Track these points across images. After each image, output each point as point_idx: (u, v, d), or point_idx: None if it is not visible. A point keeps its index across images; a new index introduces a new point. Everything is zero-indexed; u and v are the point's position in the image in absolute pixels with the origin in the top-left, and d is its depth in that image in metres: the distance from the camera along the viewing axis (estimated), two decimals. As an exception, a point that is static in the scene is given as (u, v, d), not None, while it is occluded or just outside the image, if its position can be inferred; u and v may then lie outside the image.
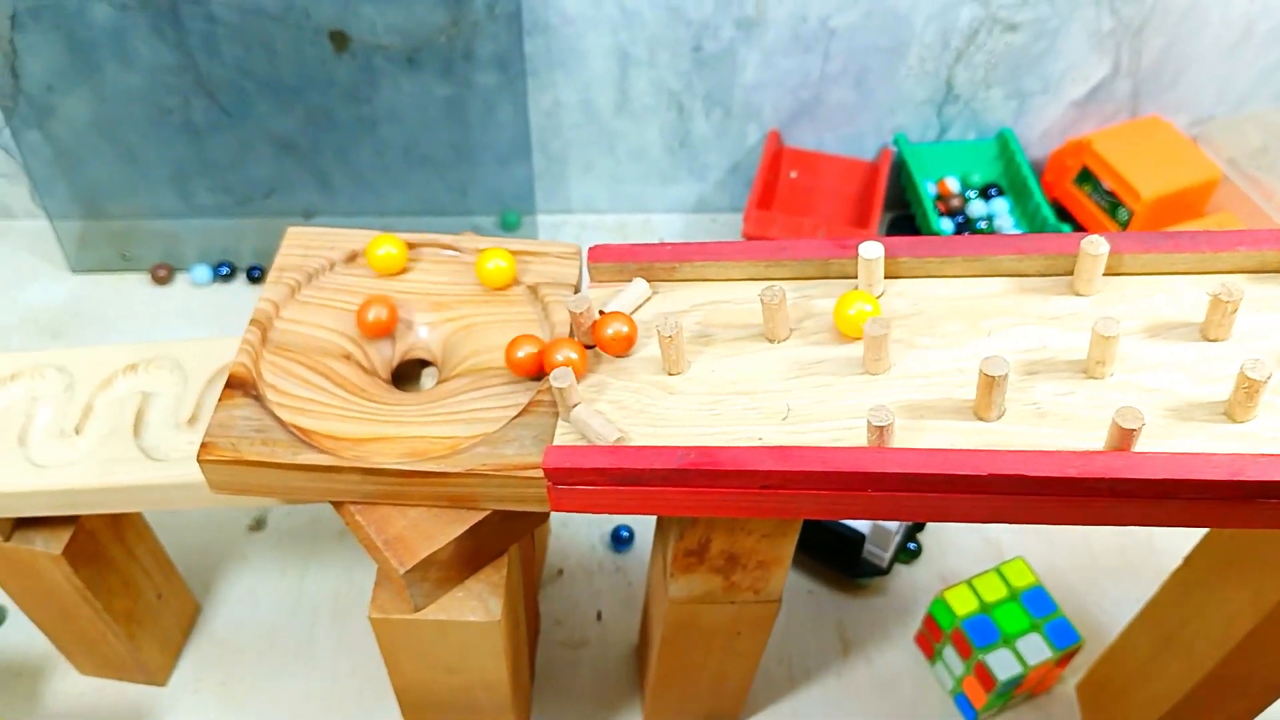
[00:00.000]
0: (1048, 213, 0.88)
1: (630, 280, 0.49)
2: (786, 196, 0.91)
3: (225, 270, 0.94)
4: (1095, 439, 0.41)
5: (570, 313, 0.46)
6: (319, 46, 0.85)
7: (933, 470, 0.39)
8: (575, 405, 0.44)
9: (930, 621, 0.72)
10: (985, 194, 0.93)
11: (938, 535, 0.80)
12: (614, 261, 0.49)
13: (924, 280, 0.47)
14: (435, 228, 0.96)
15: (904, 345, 0.45)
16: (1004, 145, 0.94)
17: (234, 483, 0.46)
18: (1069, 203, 0.94)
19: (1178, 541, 0.79)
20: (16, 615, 0.74)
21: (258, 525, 0.79)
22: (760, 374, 0.45)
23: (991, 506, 0.40)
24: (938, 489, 0.39)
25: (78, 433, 0.54)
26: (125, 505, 0.52)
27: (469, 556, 0.48)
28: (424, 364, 0.53)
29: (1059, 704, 0.72)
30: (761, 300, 0.44)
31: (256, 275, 0.94)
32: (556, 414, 0.46)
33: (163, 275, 0.94)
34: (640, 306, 0.48)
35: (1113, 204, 0.90)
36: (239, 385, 0.47)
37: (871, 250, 0.45)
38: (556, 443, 0.44)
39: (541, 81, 0.89)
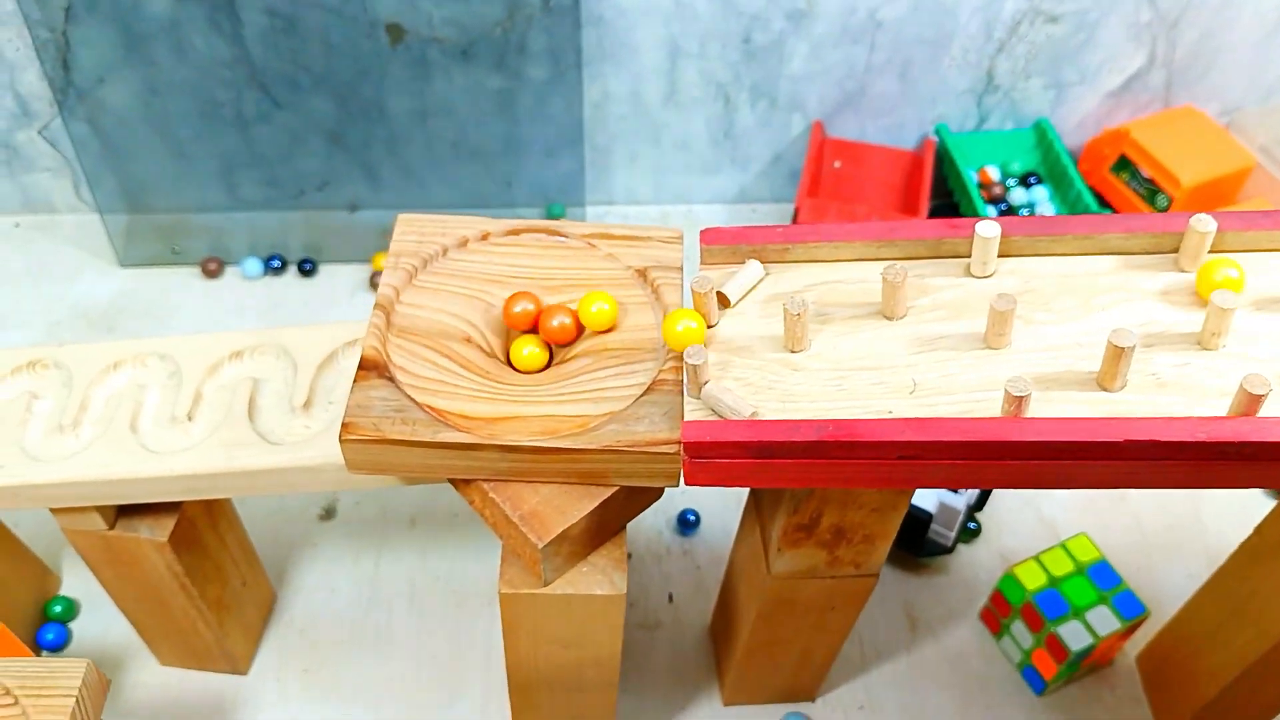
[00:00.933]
0: (1089, 199, 0.90)
1: (743, 262, 0.50)
2: (832, 186, 0.93)
3: (276, 263, 0.95)
4: (1214, 406, 0.43)
5: (694, 293, 0.47)
6: (374, 39, 0.86)
7: (1071, 438, 0.40)
8: (705, 382, 0.45)
9: (998, 597, 0.73)
10: (1025, 182, 0.95)
11: (995, 515, 0.82)
12: (727, 244, 0.50)
13: (1034, 259, 0.49)
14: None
15: (1020, 321, 0.46)
16: (1041, 134, 0.96)
17: (372, 462, 0.47)
18: (1106, 190, 0.96)
19: (1224, 520, 0.82)
20: (90, 608, 0.75)
21: (328, 514, 0.80)
22: (882, 350, 0.46)
23: (1122, 472, 0.42)
24: (1074, 456, 0.41)
25: (190, 419, 0.54)
26: (242, 490, 0.53)
27: (594, 532, 0.49)
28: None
29: (1120, 675, 0.74)
30: (884, 278, 0.46)
31: (308, 268, 0.95)
32: (681, 391, 0.48)
33: (213, 269, 0.94)
34: (755, 287, 0.50)
35: (1151, 191, 0.92)
36: (372, 367, 0.48)
37: (989, 229, 0.47)
38: (688, 418, 0.45)
39: (592, 74, 0.91)
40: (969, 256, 0.49)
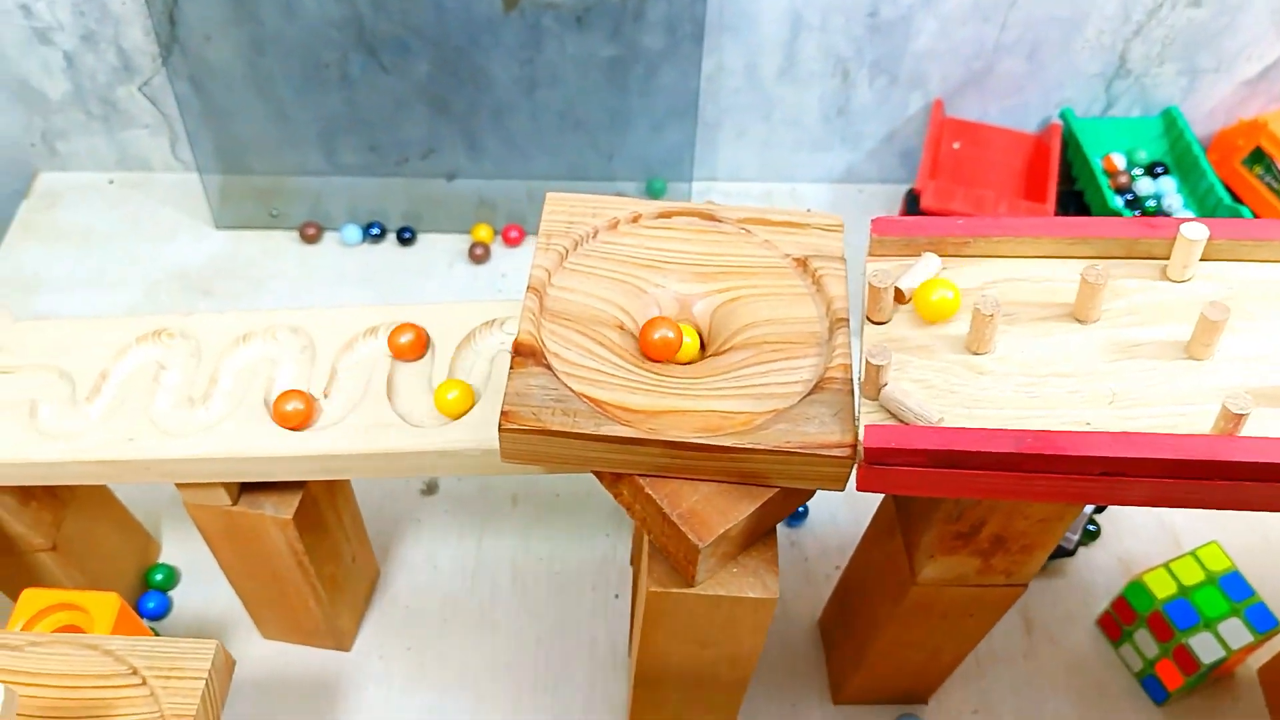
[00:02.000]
0: (1222, 193, 0.86)
1: (918, 255, 0.47)
2: (951, 168, 0.89)
3: (375, 231, 0.93)
4: None
5: (871, 287, 0.45)
6: (489, 4, 0.83)
7: (1298, 461, 0.38)
8: (885, 384, 0.43)
9: (1122, 603, 0.71)
10: (1151, 172, 0.91)
11: (1115, 518, 0.79)
12: (900, 235, 0.48)
13: (1235, 264, 0.46)
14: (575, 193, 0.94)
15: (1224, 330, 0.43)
16: (1170, 123, 0.92)
17: (528, 452, 0.45)
18: (1236, 184, 0.91)
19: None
20: (190, 577, 0.74)
21: (430, 489, 0.78)
22: (1076, 355, 0.43)
23: (1345, 499, 0.39)
24: (1296, 480, 0.38)
25: (325, 396, 0.53)
26: (378, 472, 0.52)
27: (749, 533, 0.47)
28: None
29: (1243, 687, 0.71)
30: (1084, 279, 0.43)
31: (407, 237, 0.93)
32: (851, 390, 0.45)
33: (312, 234, 0.93)
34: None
35: (1288, 185, 0.87)
36: (529, 354, 0.46)
37: (1196, 231, 0.44)
38: (864, 421, 0.43)
39: (708, 45, 0.87)
40: (1164, 258, 0.46)
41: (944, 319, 0.45)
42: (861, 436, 0.42)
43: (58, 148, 0.97)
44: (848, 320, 0.48)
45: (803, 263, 0.50)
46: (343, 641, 0.69)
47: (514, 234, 0.94)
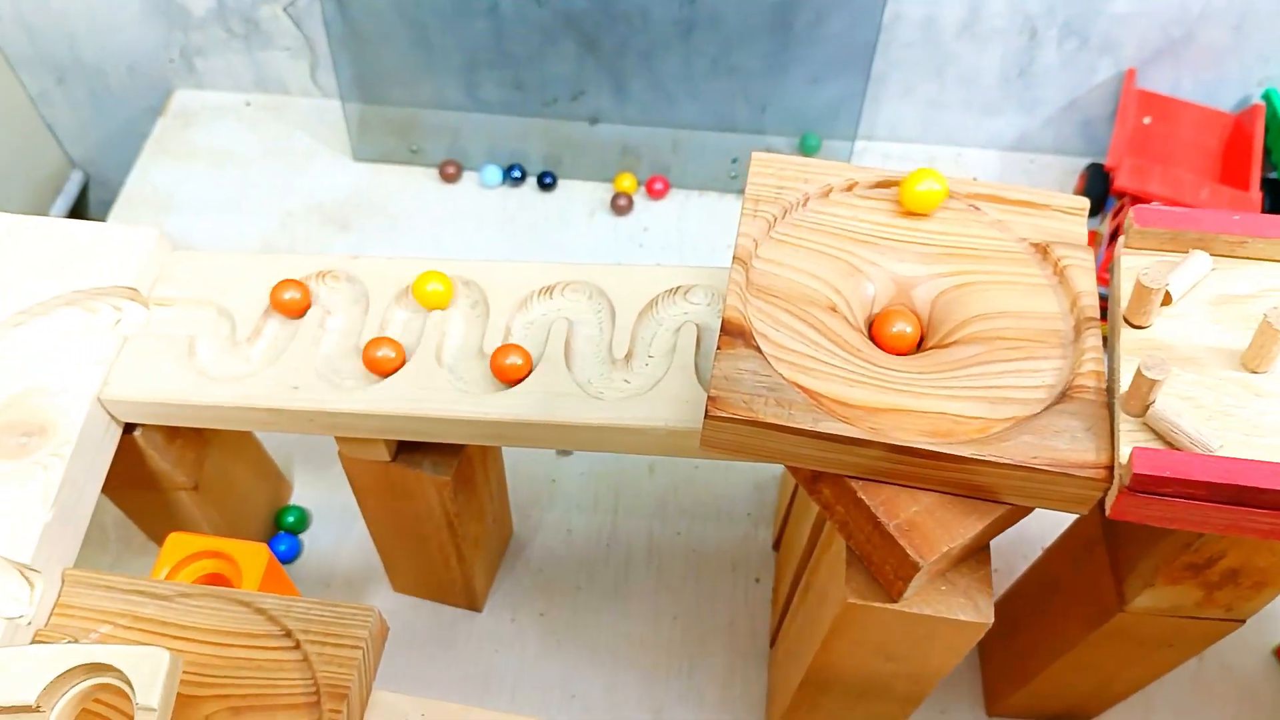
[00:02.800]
0: None
1: (1186, 252, 0.42)
2: (1141, 145, 0.82)
3: (517, 174, 0.89)
4: None
5: (1139, 286, 0.39)
6: (657, -63, 0.78)
7: None
8: (1153, 401, 0.38)
9: (1311, 639, 0.65)
10: (1364, 162, 0.82)
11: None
12: (1165, 228, 0.42)
13: None
14: (723, 145, 0.89)
15: None
16: (1391, 107, 0.83)
17: (731, 442, 0.41)
18: None
19: None
20: (320, 521, 0.72)
21: (564, 451, 0.75)
22: (1377, 384, 0.38)
23: None
24: None
25: (498, 357, 0.49)
26: (552, 441, 0.48)
27: (968, 551, 0.42)
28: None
29: None
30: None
31: (549, 182, 0.89)
32: (1104, 402, 0.40)
33: (451, 173, 0.89)
34: (1198, 285, 0.41)
35: None
36: (737, 333, 0.41)
37: None
38: (1125, 441, 0.38)
39: (887, -6, 0.81)
40: None
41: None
42: (1125, 459, 0.37)
43: (196, 65, 0.95)
44: (1098, 319, 0.42)
45: (1042, 249, 0.45)
46: (475, 601, 0.66)
47: (658, 186, 0.89)
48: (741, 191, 0.89)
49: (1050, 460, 0.38)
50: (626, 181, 0.89)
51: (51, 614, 0.46)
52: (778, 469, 0.74)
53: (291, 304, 0.50)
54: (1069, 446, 0.39)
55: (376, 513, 0.58)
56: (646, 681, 0.65)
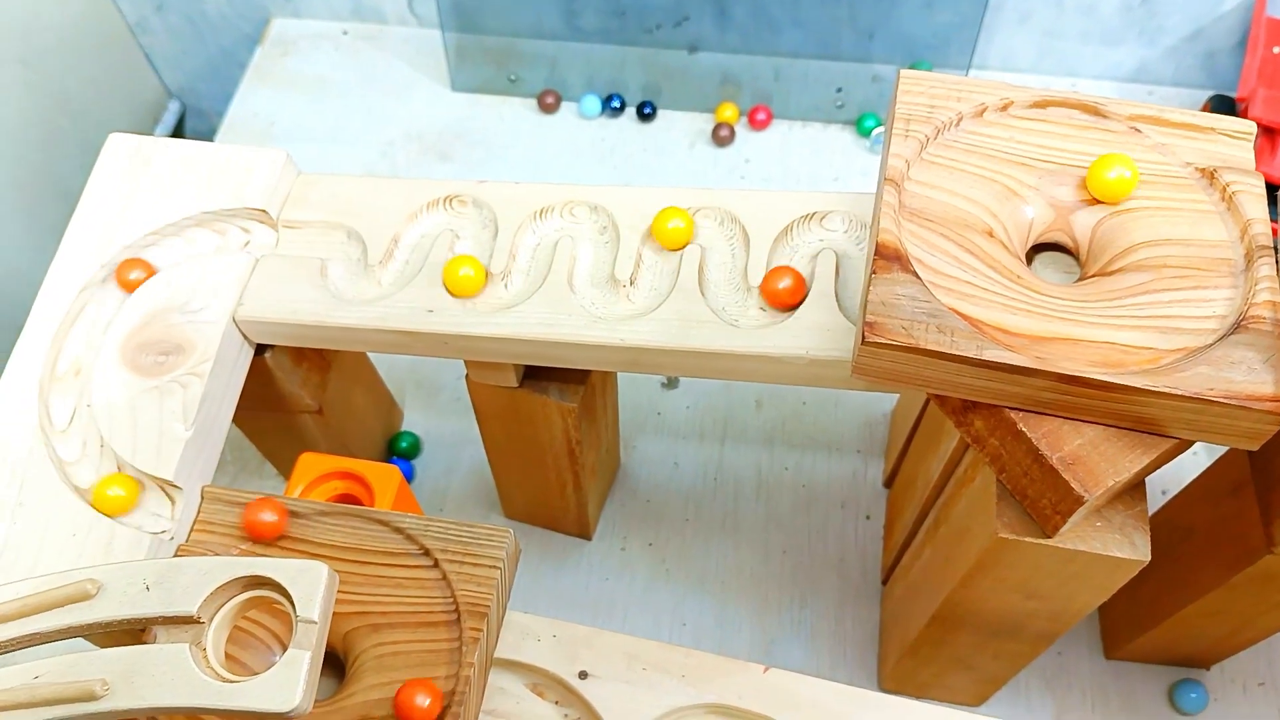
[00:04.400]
0: None
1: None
2: (1270, 75, 0.78)
3: (616, 104, 0.87)
4: None
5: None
6: None
7: None
8: (1344, 331, 0.36)
9: None
10: None
11: None
12: (1354, 151, 0.39)
13: None
14: (828, 74, 0.87)
15: None
16: None
17: (885, 369, 0.40)
18: None
19: None
20: (431, 447, 0.72)
21: (671, 383, 0.75)
22: None
23: None
24: None
25: (631, 283, 0.48)
26: (686, 370, 0.47)
27: (1128, 486, 0.41)
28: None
29: None
30: None
31: (648, 112, 0.87)
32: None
33: (550, 103, 0.88)
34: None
35: None
36: (893, 257, 0.40)
37: None
38: (1307, 373, 0.36)
39: (1011, -88, 0.77)
40: None
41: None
42: (1308, 391, 0.35)
43: (294, -8, 0.94)
44: (1272, 248, 0.40)
45: (1209, 174, 0.43)
46: (586, 529, 0.67)
47: (760, 116, 0.87)
48: (847, 122, 0.87)
49: (1226, 393, 0.37)
50: (728, 111, 0.87)
51: (192, 530, 0.47)
52: (888, 406, 0.73)
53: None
54: (1245, 379, 0.37)
55: (497, 438, 0.58)
56: (757, 614, 0.65)
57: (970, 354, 0.38)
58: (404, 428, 0.72)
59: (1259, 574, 0.49)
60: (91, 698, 0.36)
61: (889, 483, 0.69)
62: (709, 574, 0.67)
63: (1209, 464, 0.53)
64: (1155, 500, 0.65)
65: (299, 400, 0.57)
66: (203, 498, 0.47)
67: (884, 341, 0.38)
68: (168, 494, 0.47)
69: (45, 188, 0.85)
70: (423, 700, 0.41)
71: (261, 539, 0.46)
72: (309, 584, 0.37)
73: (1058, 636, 0.50)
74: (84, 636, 0.38)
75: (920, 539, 0.56)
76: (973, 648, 0.53)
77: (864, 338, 0.38)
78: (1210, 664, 0.63)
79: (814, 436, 0.72)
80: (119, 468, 0.47)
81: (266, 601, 0.38)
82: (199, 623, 0.37)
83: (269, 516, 0.45)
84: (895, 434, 0.69)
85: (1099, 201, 0.42)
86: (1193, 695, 0.62)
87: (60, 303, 0.50)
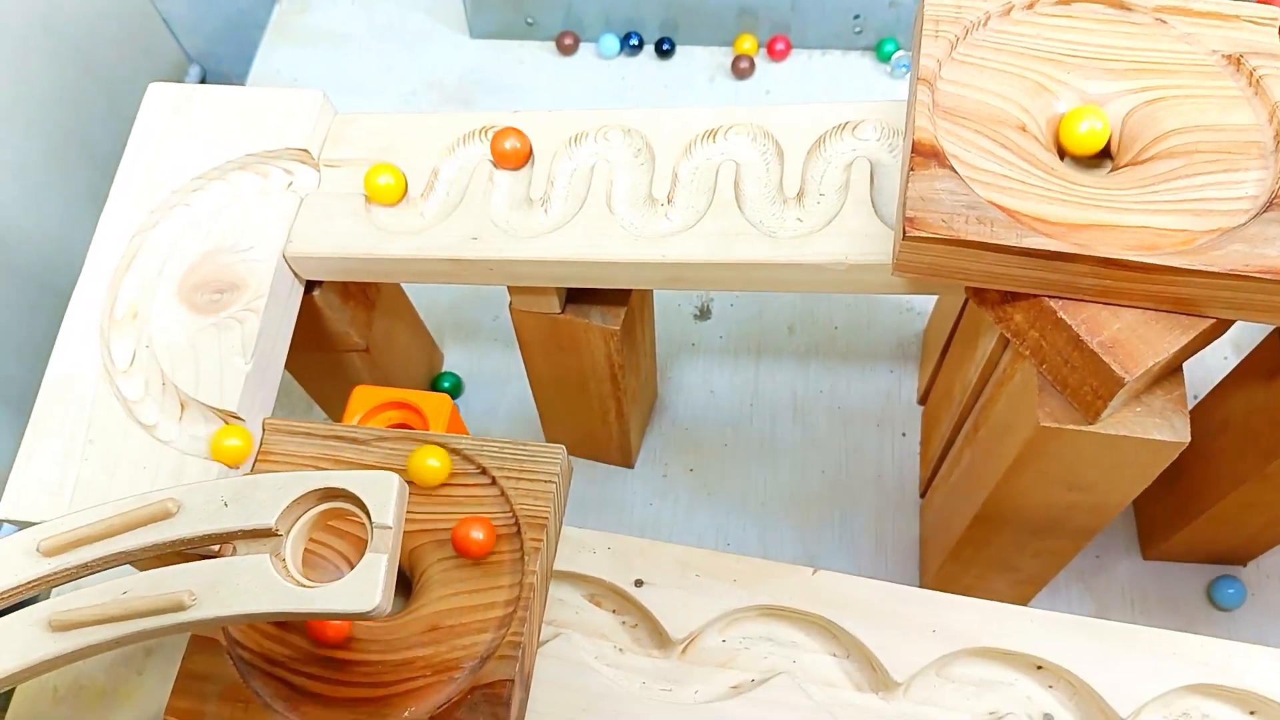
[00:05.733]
0: None
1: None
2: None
3: (634, 41, 0.88)
4: None
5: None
6: None
7: None
8: (1377, 200, 0.36)
9: None
10: None
11: None
12: (1382, 26, 0.40)
13: None
14: (845, 2, 0.86)
15: None
16: None
17: (927, 264, 0.41)
18: None
19: None
20: (472, 387, 0.74)
21: (703, 314, 0.76)
22: None
23: None
24: None
25: (669, 201, 0.49)
26: (725, 283, 0.48)
27: (1166, 369, 0.42)
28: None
29: None
30: None
31: (666, 49, 0.87)
32: (1316, 210, 0.39)
33: (569, 44, 0.88)
34: None
35: None
36: (930, 154, 0.41)
37: None
38: (1343, 245, 0.37)
39: None
40: None
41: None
42: (1345, 261, 0.36)
43: (308, -53, 0.95)
44: (1303, 128, 0.41)
45: (1235, 61, 0.43)
46: (628, 458, 0.68)
47: (779, 46, 0.87)
48: (866, 48, 0.87)
49: (1263, 267, 0.38)
50: (746, 43, 0.87)
51: (255, 461, 0.48)
52: (919, 326, 0.74)
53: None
54: (1279, 254, 0.38)
55: (541, 368, 0.60)
56: (798, 531, 0.67)
57: (1010, 242, 0.39)
58: (444, 369, 0.74)
59: (1295, 460, 0.50)
60: (180, 608, 0.37)
61: (924, 399, 0.70)
62: (750, 495, 0.68)
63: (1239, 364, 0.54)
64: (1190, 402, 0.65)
65: (347, 338, 0.58)
66: (264, 430, 0.49)
67: (925, 235, 0.39)
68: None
69: (77, 152, 0.87)
70: (477, 534, 0.43)
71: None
72: (382, 492, 0.38)
73: (1097, 531, 0.51)
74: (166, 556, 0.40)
75: (959, 445, 0.57)
76: (1014, 547, 0.55)
77: (905, 233, 0.39)
78: (1247, 560, 0.64)
79: (847, 359, 0.73)
80: (182, 405, 0.48)
81: (338, 515, 0.40)
82: (277, 535, 0.39)
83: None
84: (928, 351, 0.70)
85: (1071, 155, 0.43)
86: (1230, 591, 0.63)
87: (114, 250, 0.51)
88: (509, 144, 0.50)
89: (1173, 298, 0.40)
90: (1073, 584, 0.64)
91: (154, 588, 0.38)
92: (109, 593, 0.38)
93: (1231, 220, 0.39)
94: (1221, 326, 0.42)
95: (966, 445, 0.55)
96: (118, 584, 0.38)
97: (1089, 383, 0.41)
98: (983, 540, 0.55)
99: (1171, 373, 0.44)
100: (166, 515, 0.39)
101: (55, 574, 0.39)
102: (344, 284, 0.57)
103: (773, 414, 0.71)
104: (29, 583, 0.39)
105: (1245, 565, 0.65)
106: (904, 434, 0.70)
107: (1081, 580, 0.64)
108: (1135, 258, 0.38)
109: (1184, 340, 0.40)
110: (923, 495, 0.67)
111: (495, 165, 0.51)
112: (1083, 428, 0.43)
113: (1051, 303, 0.41)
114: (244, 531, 0.39)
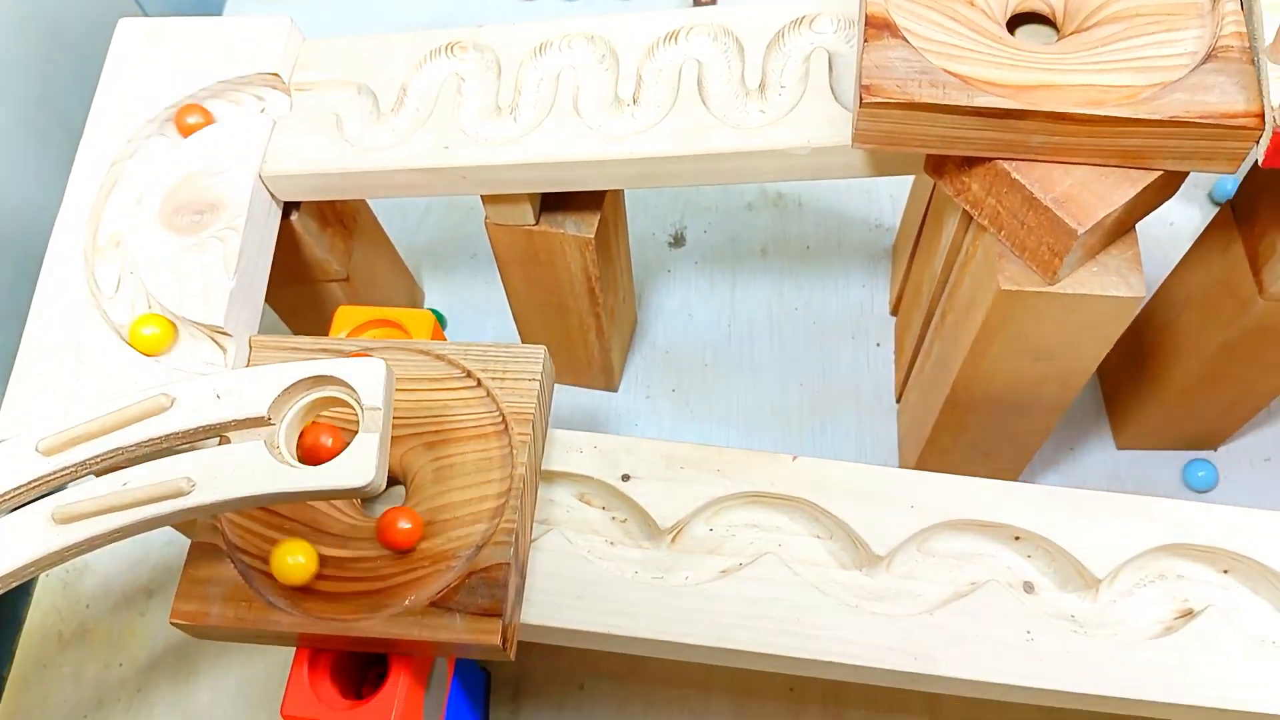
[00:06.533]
0: None
1: (1331, -97, 0.41)
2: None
3: (597, -18, 0.89)
4: None
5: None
6: None
7: None
8: (1308, 40, 0.38)
9: None
10: None
11: None
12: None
13: None
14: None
15: None
16: None
17: (885, 132, 0.42)
18: None
19: None
20: (452, 326, 0.75)
21: (677, 241, 0.77)
22: None
23: None
24: None
25: (635, 101, 0.51)
26: (692, 177, 0.50)
27: (1116, 226, 0.44)
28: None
29: None
30: None
31: (629, -13, 0.88)
32: (1250, 60, 0.41)
33: (532, -12, 0.89)
34: (1345, -66, 0.41)
35: None
36: (883, 26, 0.42)
37: None
38: (1273, 88, 0.38)
39: None
40: None
41: None
42: (1276, 104, 0.38)
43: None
44: (1234, -14, 0.42)
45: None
46: (611, 381, 0.69)
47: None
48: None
49: (1202, 112, 0.39)
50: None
51: (244, 378, 0.49)
52: (888, 242, 0.75)
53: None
54: (1219, 99, 0.40)
55: (520, 289, 0.61)
56: (780, 442, 0.68)
57: (962, 102, 0.40)
58: (425, 306, 0.75)
59: (1254, 325, 0.52)
60: (179, 494, 0.39)
61: (895, 309, 0.72)
62: (731, 412, 0.70)
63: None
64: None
65: (327, 266, 0.59)
66: (251, 347, 0.50)
67: (880, 101, 0.41)
68: (218, 343, 0.49)
69: (49, 121, 0.87)
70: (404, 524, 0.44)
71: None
72: (370, 376, 0.40)
73: (1066, 405, 0.53)
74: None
75: (929, 339, 0.59)
76: (988, 429, 0.56)
77: (861, 100, 0.41)
78: (1218, 444, 0.66)
79: (821, 277, 0.75)
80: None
81: (330, 404, 0.41)
82: (270, 424, 0.40)
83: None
84: (897, 263, 0.72)
85: None
86: (1201, 473, 0.65)
87: (93, 179, 0.52)
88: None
89: (1120, 151, 0.41)
90: (1050, 476, 0.66)
91: (153, 477, 0.39)
92: (110, 485, 0.39)
93: (1173, 75, 0.41)
94: (1170, 182, 0.43)
95: (936, 336, 0.57)
96: (118, 476, 0.40)
97: (1045, 241, 0.43)
98: (957, 425, 0.57)
99: (1125, 232, 0.45)
100: (161, 410, 0.40)
101: (55, 473, 0.40)
102: (321, 210, 0.58)
103: (750, 333, 0.73)
104: (30, 483, 0.40)
105: (1216, 449, 0.66)
106: (878, 344, 0.72)
107: (1057, 472, 0.66)
108: (1081, 111, 0.40)
109: (1133, 192, 0.42)
110: (898, 400, 0.69)
111: (461, 80, 0.52)
112: (1042, 289, 0.44)
113: (1005, 164, 0.42)
114: (237, 422, 0.40)
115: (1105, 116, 0.40)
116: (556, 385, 0.71)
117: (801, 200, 0.78)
